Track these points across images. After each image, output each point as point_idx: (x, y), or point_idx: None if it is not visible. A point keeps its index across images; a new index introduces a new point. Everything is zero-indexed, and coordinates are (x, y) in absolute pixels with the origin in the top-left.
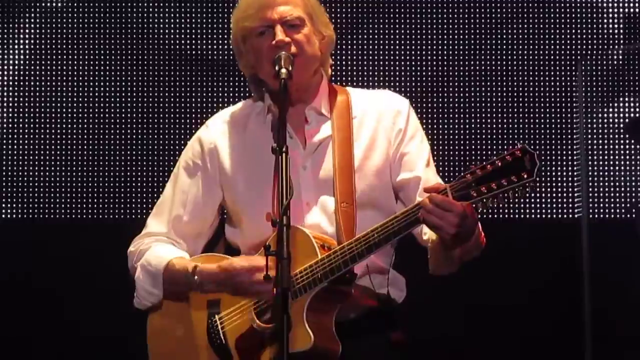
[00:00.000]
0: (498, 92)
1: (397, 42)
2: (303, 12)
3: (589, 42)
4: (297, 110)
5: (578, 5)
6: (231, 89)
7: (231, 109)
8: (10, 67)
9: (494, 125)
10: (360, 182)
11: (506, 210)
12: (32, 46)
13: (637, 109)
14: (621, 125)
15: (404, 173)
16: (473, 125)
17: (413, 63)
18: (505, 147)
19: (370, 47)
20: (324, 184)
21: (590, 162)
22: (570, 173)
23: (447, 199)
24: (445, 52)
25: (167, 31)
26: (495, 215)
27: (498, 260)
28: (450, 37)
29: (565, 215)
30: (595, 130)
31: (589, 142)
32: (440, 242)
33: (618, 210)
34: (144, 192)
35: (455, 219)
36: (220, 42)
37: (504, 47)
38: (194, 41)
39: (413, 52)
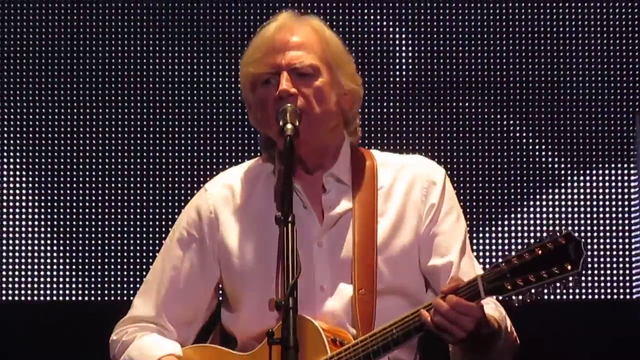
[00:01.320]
0: (549, 158)
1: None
2: (319, 59)
3: None
4: (315, 177)
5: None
6: (234, 146)
7: (236, 170)
8: None
9: (543, 194)
10: (383, 266)
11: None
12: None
13: None
14: None
15: (435, 258)
16: (519, 194)
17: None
18: (552, 221)
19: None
20: (341, 265)
21: None
22: (628, 249)
23: (463, 301)
24: (494, 112)
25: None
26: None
27: (545, 346)
28: (501, 95)
29: (622, 296)
30: None
31: None
32: (460, 346)
33: None
34: (128, 270)
35: (470, 324)
36: (223, 93)
37: (558, 105)
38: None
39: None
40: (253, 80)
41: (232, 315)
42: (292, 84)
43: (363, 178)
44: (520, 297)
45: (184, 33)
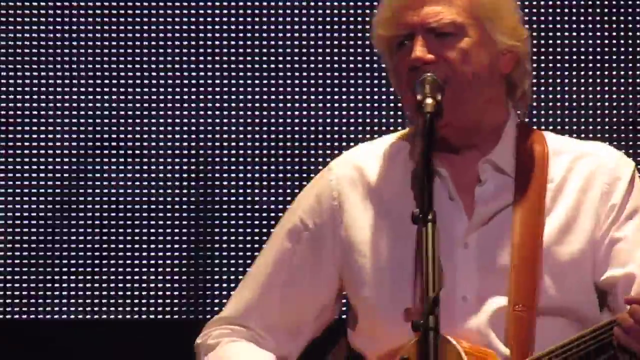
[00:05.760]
0: None
1: None
2: (464, 14)
3: None
4: (466, 161)
5: None
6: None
7: (369, 147)
8: None
9: None
10: (549, 277)
11: None
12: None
13: None
14: None
15: (613, 269)
16: None
17: None
18: None
19: None
20: (492, 273)
21: None
22: None
23: None
24: None
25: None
26: None
27: None
28: None
29: None
30: None
31: None
32: None
33: None
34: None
35: None
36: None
37: None
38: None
39: None
40: (386, 44)
41: (359, 331)
42: (430, 48)
43: (530, 168)
44: None
45: None
